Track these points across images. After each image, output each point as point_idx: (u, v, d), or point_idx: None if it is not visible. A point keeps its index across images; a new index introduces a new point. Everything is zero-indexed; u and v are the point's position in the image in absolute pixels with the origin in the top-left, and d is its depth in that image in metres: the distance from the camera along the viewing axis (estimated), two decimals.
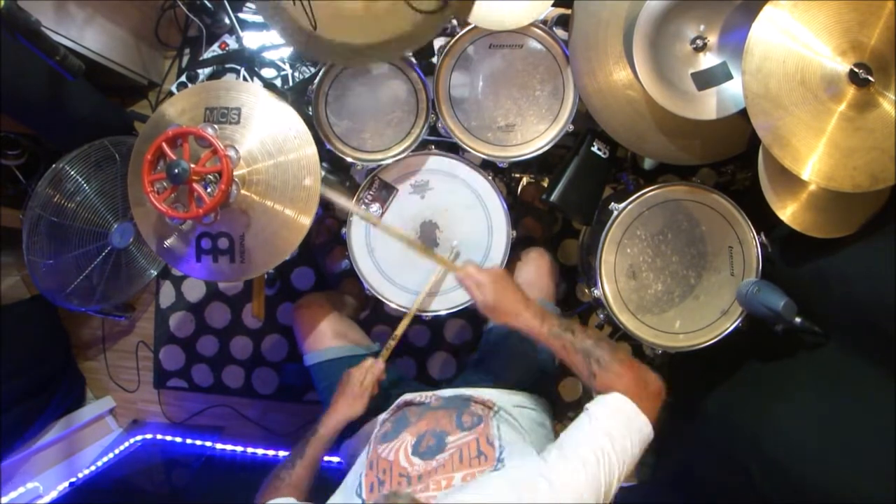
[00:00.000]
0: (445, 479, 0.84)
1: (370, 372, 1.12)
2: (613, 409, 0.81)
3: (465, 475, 0.83)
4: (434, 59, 1.21)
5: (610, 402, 0.82)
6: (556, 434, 1.02)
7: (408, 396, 1.14)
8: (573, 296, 1.79)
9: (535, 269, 1.32)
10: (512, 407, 1.10)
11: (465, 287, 1.02)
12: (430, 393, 1.14)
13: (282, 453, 1.73)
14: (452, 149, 1.27)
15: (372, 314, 1.82)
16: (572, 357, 0.90)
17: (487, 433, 0.93)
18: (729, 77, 1.05)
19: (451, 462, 0.87)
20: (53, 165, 1.44)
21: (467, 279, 1.01)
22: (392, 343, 1.20)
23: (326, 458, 1.13)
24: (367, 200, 1.24)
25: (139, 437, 1.83)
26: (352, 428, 1.18)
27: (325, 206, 1.80)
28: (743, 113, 0.98)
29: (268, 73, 1.70)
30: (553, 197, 1.28)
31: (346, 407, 1.10)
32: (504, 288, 0.99)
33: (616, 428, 0.78)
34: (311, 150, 1.09)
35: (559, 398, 1.79)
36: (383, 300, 1.24)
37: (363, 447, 1.11)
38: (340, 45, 1.02)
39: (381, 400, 1.19)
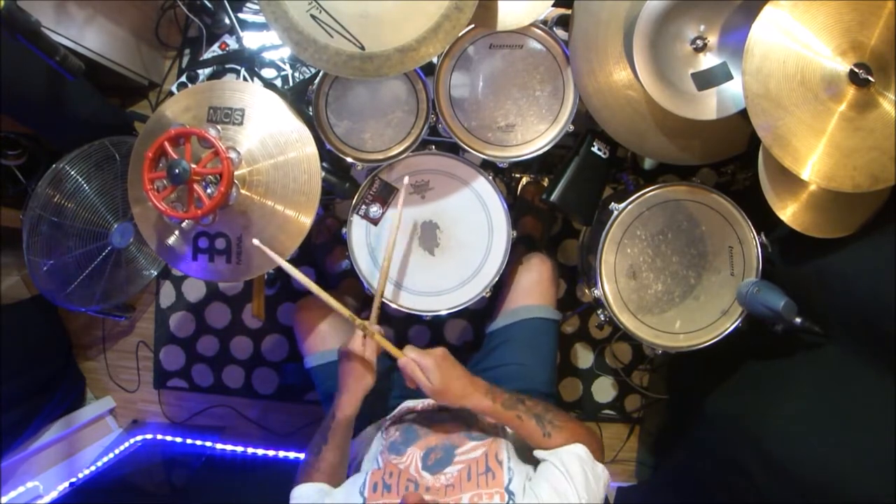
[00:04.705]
0: (454, 499, 0.85)
1: (368, 343, 1.05)
2: (577, 455, 0.91)
3: (473, 496, 0.84)
4: (434, 60, 1.21)
5: (574, 450, 0.92)
6: None
7: (410, 403, 1.14)
8: (573, 296, 1.79)
9: (537, 274, 1.31)
10: None
11: (407, 373, 0.97)
12: (432, 400, 1.13)
13: (282, 453, 1.73)
14: (452, 149, 1.27)
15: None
16: (526, 423, 0.95)
17: (496, 450, 0.94)
18: (729, 77, 1.05)
19: (460, 480, 0.88)
20: (53, 165, 1.44)
21: (409, 365, 0.96)
22: (377, 304, 1.11)
23: None
24: (367, 200, 1.24)
25: (139, 437, 1.83)
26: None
27: (325, 205, 1.81)
28: (743, 113, 0.98)
29: (268, 73, 1.70)
30: (553, 197, 1.28)
31: (356, 383, 1.03)
32: (450, 369, 0.97)
33: (582, 472, 0.89)
34: (311, 149, 1.09)
35: (559, 398, 1.79)
36: (384, 300, 1.24)
37: (364, 450, 1.12)
38: (395, 50, 1.00)
39: (378, 402, 1.18)
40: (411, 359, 0.96)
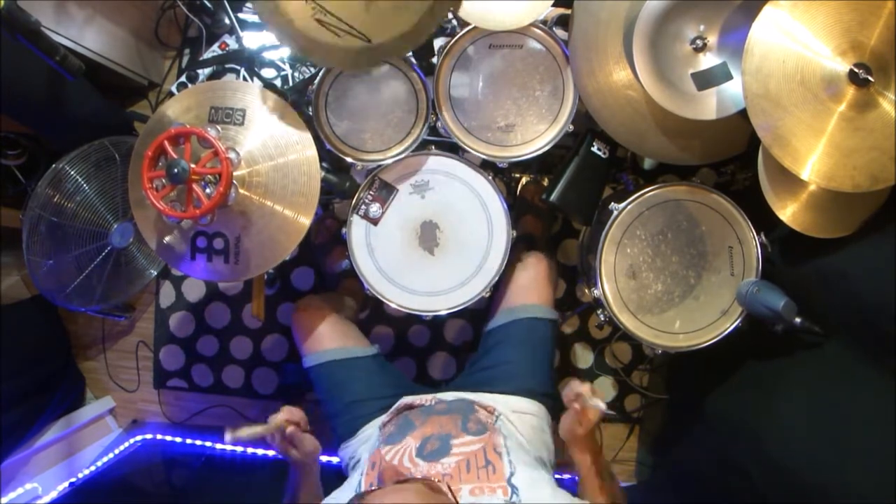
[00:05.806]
0: (454, 489, 0.84)
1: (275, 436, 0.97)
2: None
3: (474, 489, 0.84)
4: (434, 59, 1.21)
5: None
6: (554, 437, 1.04)
7: (407, 399, 1.14)
8: (573, 296, 1.79)
9: (534, 273, 1.30)
10: (511, 413, 1.11)
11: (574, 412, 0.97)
12: (430, 396, 1.14)
13: None
14: (452, 149, 1.27)
15: (371, 314, 1.82)
16: (608, 488, 0.96)
17: (494, 442, 0.94)
18: (729, 77, 1.05)
19: (459, 471, 0.88)
20: (53, 165, 1.44)
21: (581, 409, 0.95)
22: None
23: (326, 459, 1.12)
24: (367, 200, 1.24)
25: (139, 437, 1.83)
26: (350, 431, 1.18)
27: (325, 205, 1.81)
28: (743, 113, 0.98)
29: (268, 73, 1.70)
30: (553, 197, 1.28)
31: (300, 460, 1.01)
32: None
33: None
34: (311, 151, 1.09)
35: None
36: (383, 300, 1.24)
37: (365, 449, 1.12)
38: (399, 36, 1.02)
39: (376, 400, 1.19)
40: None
